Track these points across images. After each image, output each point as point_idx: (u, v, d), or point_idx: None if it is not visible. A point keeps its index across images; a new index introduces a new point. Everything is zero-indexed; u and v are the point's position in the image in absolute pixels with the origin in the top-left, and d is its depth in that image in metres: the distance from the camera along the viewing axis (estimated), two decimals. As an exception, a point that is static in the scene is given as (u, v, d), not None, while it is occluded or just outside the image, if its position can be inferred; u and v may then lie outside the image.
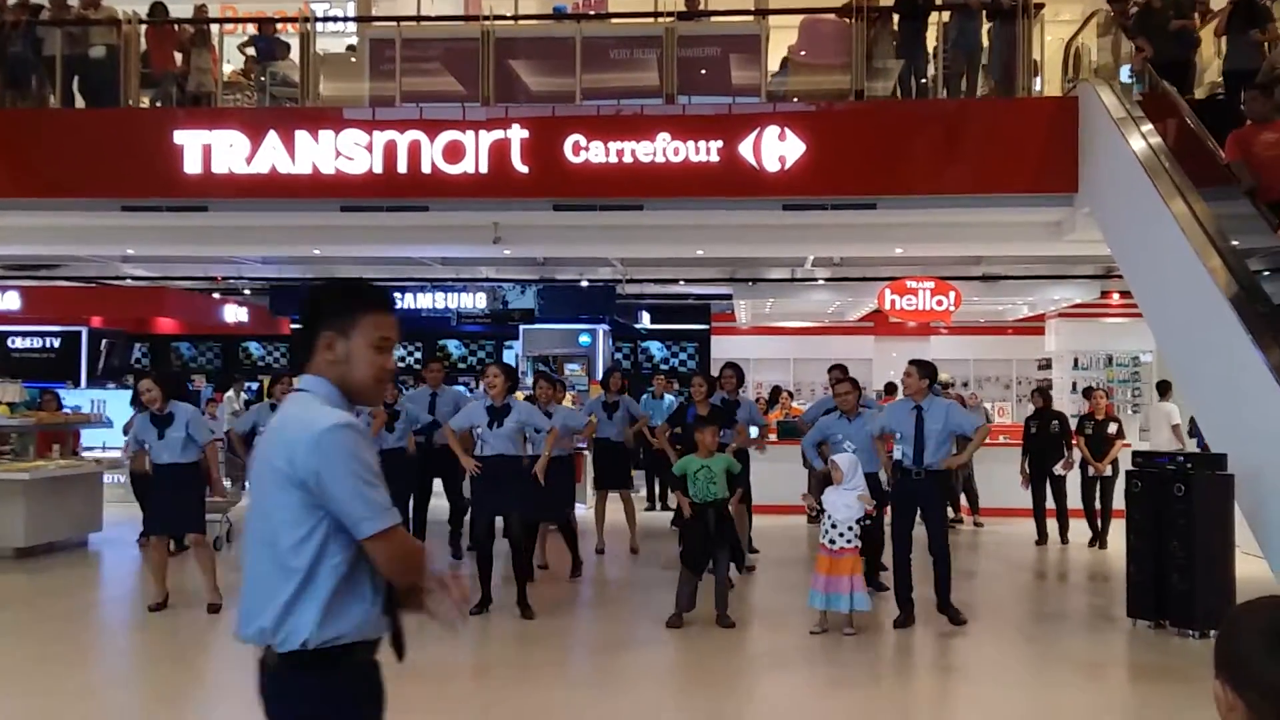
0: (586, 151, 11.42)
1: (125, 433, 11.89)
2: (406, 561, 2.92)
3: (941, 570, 8.93)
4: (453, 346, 26.48)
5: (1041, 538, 13.59)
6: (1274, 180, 9.15)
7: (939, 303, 17.45)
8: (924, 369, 9.03)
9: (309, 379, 2.99)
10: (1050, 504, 13.62)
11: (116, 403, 15.80)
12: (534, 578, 10.28)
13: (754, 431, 11.19)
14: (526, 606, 9.16)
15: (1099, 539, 13.29)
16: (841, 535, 8.55)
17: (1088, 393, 14.12)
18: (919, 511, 8.93)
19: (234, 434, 11.50)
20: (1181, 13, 11.52)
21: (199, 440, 9.26)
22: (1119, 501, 11.39)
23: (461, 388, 12.27)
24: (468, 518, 11.50)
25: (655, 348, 27.12)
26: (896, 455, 9.03)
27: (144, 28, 12.74)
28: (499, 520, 9.36)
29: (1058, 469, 13.47)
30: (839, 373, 10.80)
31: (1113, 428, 13.33)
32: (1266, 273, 8.97)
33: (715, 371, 12.43)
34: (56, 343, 23.02)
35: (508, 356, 23.85)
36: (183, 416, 9.24)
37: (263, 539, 2.86)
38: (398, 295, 20.21)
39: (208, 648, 8.59)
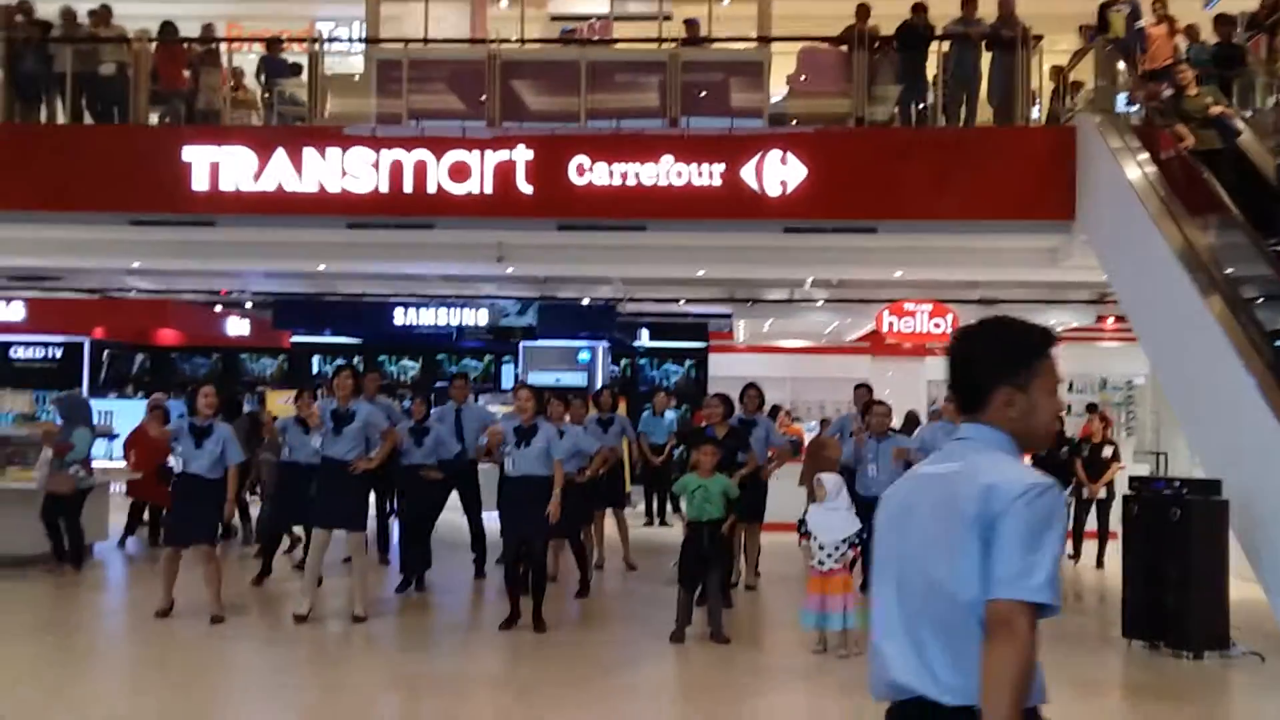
0: (590, 173, 11.58)
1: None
2: (1017, 662, 2.57)
3: None
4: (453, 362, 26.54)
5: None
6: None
7: (936, 325, 17.57)
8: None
9: (979, 429, 2.79)
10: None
11: (121, 414, 15.94)
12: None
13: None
14: (541, 621, 9.32)
15: (1080, 557, 13.50)
16: (830, 556, 8.66)
17: (1092, 408, 14.28)
18: None
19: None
20: (1218, 99, 10.89)
21: (233, 459, 9.44)
22: (1114, 523, 11.54)
23: (481, 404, 12.25)
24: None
25: (650, 365, 27.19)
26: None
27: (153, 45, 12.88)
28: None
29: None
30: (865, 392, 11.00)
31: (1108, 450, 13.49)
32: (1260, 300, 9.14)
33: (715, 390, 12.57)
34: (59, 353, 23.11)
35: (506, 373, 23.95)
36: (220, 433, 9.42)
37: (934, 582, 2.65)
38: (399, 311, 20.36)
39: (209, 656, 8.71)
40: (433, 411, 11.75)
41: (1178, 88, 10.97)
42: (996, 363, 2.79)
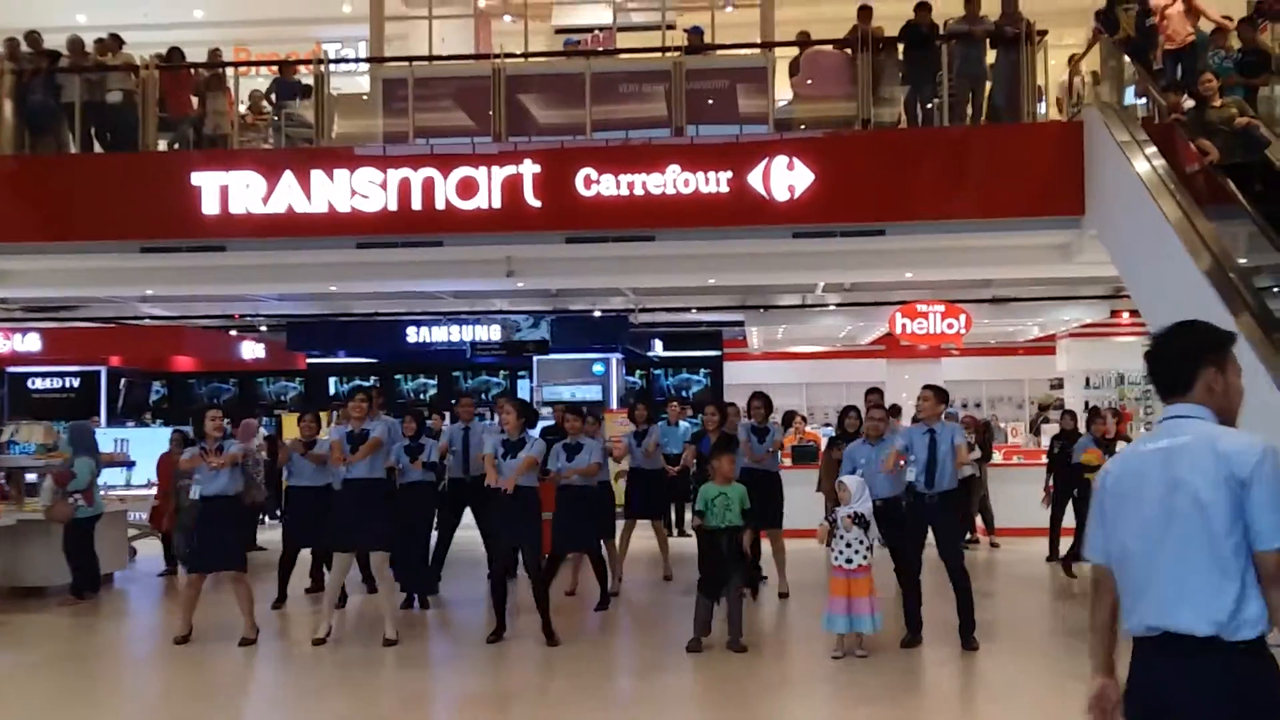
0: (598, 185, 11.59)
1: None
2: None
3: (963, 596, 9.05)
4: (467, 379, 26.65)
5: (1053, 555, 13.71)
6: None
7: (949, 325, 17.58)
8: (939, 394, 9.29)
9: (1190, 407, 3.40)
10: (1068, 523, 13.71)
11: (138, 442, 16.01)
12: (606, 605, 10.85)
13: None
14: (551, 634, 9.30)
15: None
16: (857, 553, 8.64)
17: (1094, 414, 14.18)
18: (930, 533, 9.08)
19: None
20: (1244, 110, 10.43)
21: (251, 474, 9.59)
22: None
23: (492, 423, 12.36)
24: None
25: (665, 375, 27.23)
26: (909, 477, 9.15)
27: (160, 72, 12.94)
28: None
29: (1079, 492, 13.51)
30: (876, 397, 10.99)
31: (1122, 446, 13.41)
32: (1276, 289, 9.07)
33: (730, 397, 12.58)
34: (76, 382, 23.24)
35: (522, 388, 24.00)
36: (235, 449, 9.49)
37: (1198, 535, 3.19)
38: (412, 329, 20.43)
39: (237, 681, 8.72)
40: (443, 430, 11.87)
41: (1200, 99, 10.59)
42: (1200, 350, 3.46)
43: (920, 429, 9.21)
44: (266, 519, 16.66)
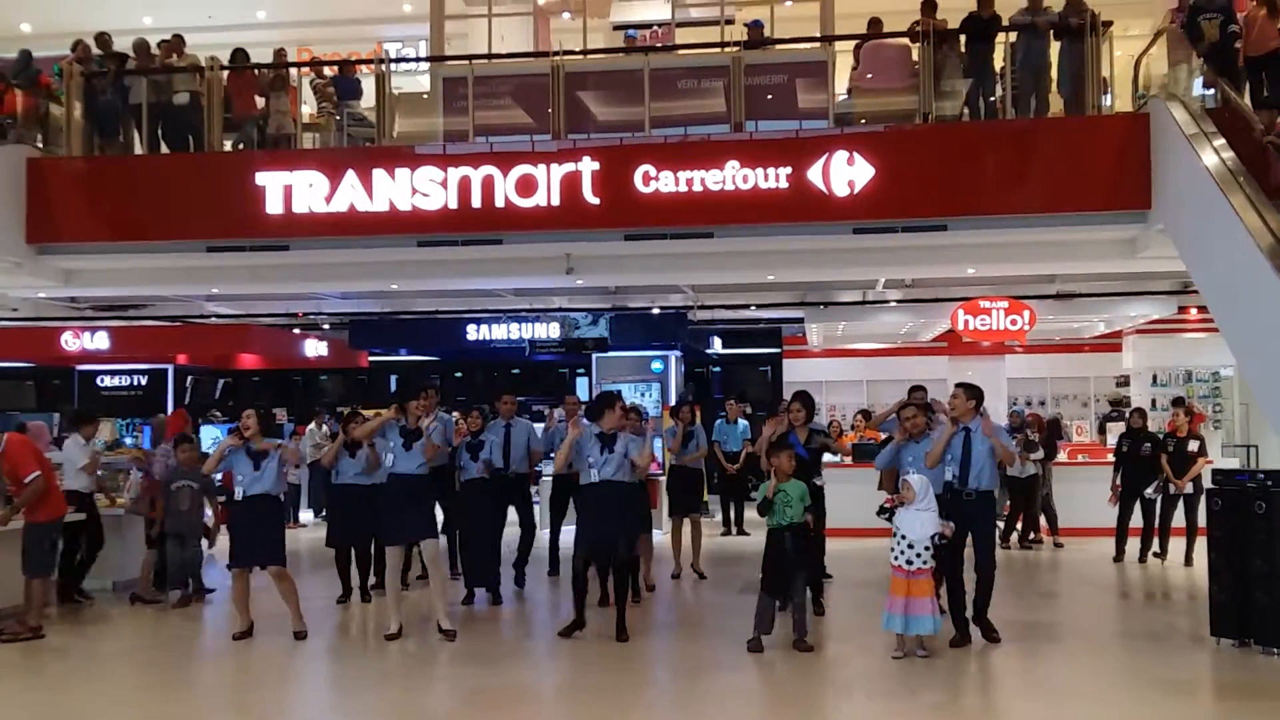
0: (656, 181, 11.57)
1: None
2: None
3: (983, 587, 9.14)
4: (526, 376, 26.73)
5: (1119, 555, 13.53)
6: None
7: (1013, 322, 17.36)
8: (971, 392, 9.25)
9: None
10: (1135, 524, 13.54)
11: (205, 439, 16.24)
12: (639, 599, 10.87)
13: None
14: (624, 630, 9.36)
15: (1167, 555, 13.31)
16: (919, 555, 8.57)
17: (1178, 402, 14.05)
18: (969, 532, 9.07)
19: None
20: None
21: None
22: (1203, 519, 11.29)
23: (530, 422, 12.39)
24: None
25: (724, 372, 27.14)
26: (946, 476, 9.10)
27: (225, 73, 13.10)
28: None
29: (1148, 492, 13.35)
30: (920, 394, 10.88)
31: (1194, 445, 13.21)
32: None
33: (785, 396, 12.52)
34: (144, 380, 23.63)
35: (581, 385, 24.05)
36: (275, 451, 9.59)
37: None
38: (472, 327, 20.52)
39: (292, 675, 8.82)
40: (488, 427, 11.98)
41: None
42: None
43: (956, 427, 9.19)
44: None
